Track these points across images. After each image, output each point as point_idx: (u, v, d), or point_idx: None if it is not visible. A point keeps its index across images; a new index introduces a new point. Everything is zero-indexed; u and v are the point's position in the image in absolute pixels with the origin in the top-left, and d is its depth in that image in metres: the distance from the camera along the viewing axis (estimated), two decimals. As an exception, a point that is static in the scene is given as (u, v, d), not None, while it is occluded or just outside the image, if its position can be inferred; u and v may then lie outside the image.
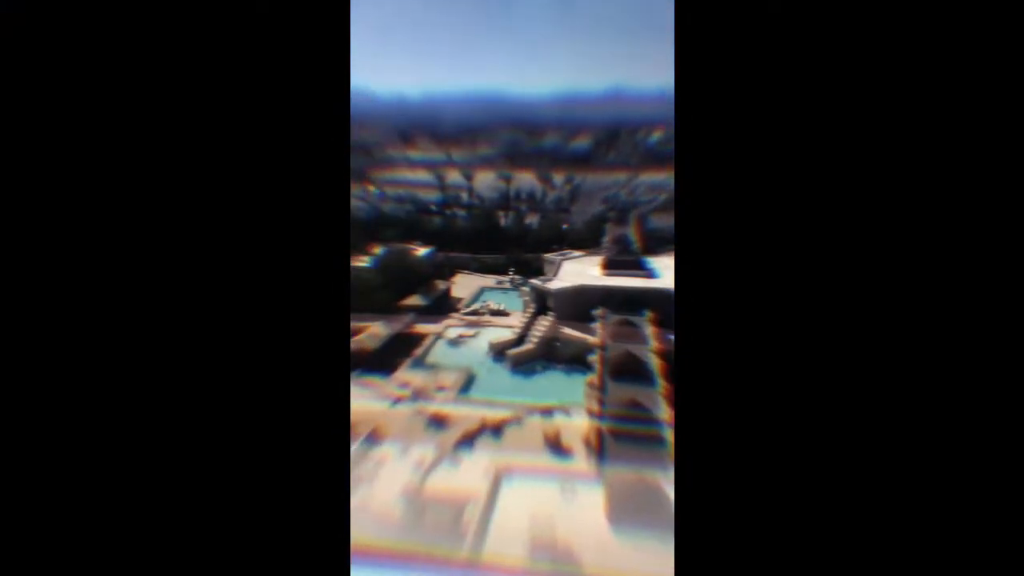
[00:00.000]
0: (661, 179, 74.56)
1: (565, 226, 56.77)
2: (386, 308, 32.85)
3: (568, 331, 28.30)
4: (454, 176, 70.61)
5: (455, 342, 30.13)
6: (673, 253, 39.49)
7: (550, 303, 31.65)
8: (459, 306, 36.51)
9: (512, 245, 50.67)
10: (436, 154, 76.94)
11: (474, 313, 34.84)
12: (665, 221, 50.96)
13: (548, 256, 41.49)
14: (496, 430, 20.03)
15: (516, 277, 43.29)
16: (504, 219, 59.35)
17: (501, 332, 30.13)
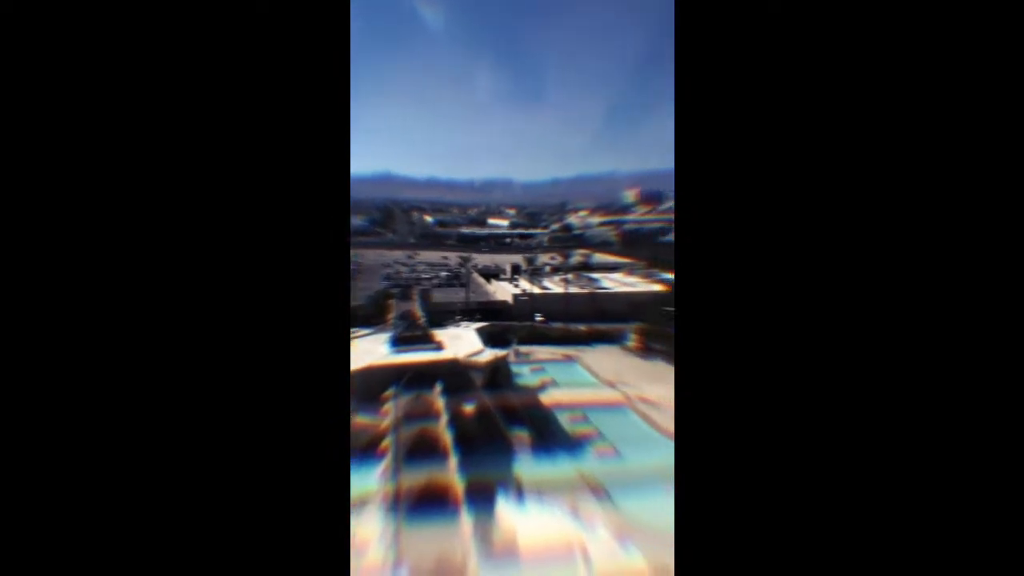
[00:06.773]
0: (438, 258, 78.58)
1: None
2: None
3: (358, 419, 26.00)
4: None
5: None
6: (458, 324, 41.09)
7: None
8: None
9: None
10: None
11: None
12: (447, 296, 52.46)
13: None
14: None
15: None
16: None
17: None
